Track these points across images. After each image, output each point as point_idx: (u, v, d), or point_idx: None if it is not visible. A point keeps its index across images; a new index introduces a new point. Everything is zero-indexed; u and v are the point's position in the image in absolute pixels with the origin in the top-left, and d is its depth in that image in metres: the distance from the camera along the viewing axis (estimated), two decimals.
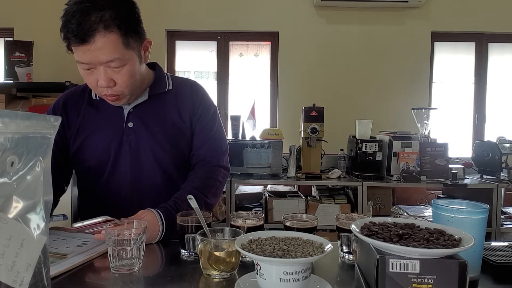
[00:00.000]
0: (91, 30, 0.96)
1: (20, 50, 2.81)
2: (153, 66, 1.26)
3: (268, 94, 3.25)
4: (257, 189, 2.82)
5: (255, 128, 2.67)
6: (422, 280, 0.56)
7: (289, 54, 3.15)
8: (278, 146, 2.54)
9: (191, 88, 1.26)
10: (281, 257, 0.66)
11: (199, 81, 1.32)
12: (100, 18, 0.96)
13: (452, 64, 3.24)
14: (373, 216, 2.06)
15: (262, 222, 0.97)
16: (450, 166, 2.53)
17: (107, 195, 1.19)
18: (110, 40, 0.98)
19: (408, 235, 0.62)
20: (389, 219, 0.70)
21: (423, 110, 2.68)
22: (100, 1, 0.98)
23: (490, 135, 3.15)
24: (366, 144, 2.55)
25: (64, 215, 1.13)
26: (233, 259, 0.80)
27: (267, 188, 2.83)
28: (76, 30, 0.96)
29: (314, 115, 2.51)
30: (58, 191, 1.20)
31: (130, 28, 1.03)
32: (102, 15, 0.97)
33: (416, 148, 2.48)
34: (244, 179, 2.53)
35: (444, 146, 2.52)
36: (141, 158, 1.17)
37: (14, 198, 0.50)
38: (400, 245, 0.58)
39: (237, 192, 2.66)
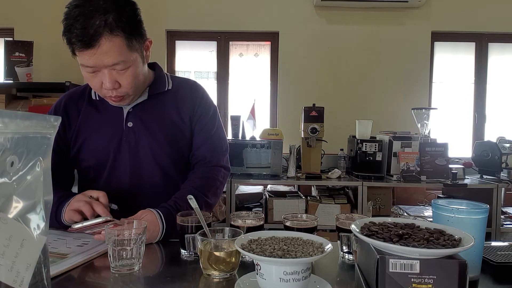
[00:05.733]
0: (96, 35, 0.95)
1: (20, 50, 2.81)
2: (153, 66, 1.26)
3: (268, 94, 3.25)
4: (257, 189, 2.82)
5: (255, 128, 2.67)
6: (422, 280, 0.56)
7: (289, 54, 3.15)
8: (278, 146, 2.54)
9: (191, 88, 1.26)
10: (281, 257, 0.66)
11: (199, 81, 1.32)
12: (104, 22, 0.95)
13: (452, 64, 3.24)
14: (373, 216, 2.06)
15: (262, 222, 0.97)
16: (450, 166, 2.53)
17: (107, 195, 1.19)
18: (115, 44, 0.98)
19: (408, 235, 0.62)
20: (389, 219, 0.70)
21: (423, 110, 2.68)
22: (102, 4, 0.96)
23: (490, 135, 3.15)
24: (366, 144, 2.55)
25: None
26: (233, 259, 0.80)
27: (267, 188, 2.83)
28: (81, 35, 0.95)
29: (314, 115, 2.51)
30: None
31: (134, 30, 1.02)
32: (106, 18, 0.96)
33: (416, 148, 2.48)
34: (244, 179, 2.53)
35: (444, 146, 2.52)
36: (141, 158, 1.17)
37: (14, 198, 0.50)
38: (400, 245, 0.58)
39: (237, 192, 2.66)
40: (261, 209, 2.63)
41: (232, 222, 0.97)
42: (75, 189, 1.27)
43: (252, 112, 2.67)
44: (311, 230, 0.92)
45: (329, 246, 0.70)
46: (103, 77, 1.03)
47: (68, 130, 1.20)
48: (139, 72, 1.09)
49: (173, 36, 3.23)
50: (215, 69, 3.25)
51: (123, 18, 0.99)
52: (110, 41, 0.97)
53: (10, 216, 0.49)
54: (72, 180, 1.27)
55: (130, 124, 1.17)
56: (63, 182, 1.22)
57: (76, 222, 0.99)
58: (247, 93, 3.24)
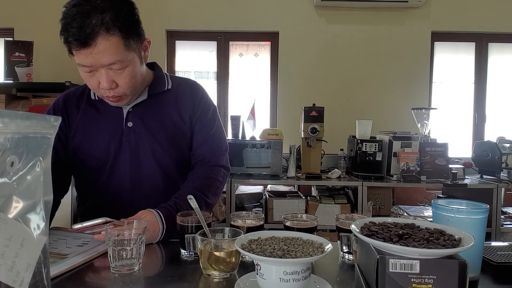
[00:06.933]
0: (92, 34, 0.95)
1: (20, 50, 2.81)
2: (152, 66, 1.26)
3: (268, 94, 3.25)
4: (257, 189, 2.82)
5: (255, 128, 2.67)
6: (422, 280, 0.56)
7: (289, 54, 3.15)
8: (278, 146, 2.54)
9: (190, 88, 1.26)
10: (281, 257, 0.66)
11: (199, 81, 1.33)
12: (101, 21, 0.96)
13: (452, 64, 3.24)
14: (373, 216, 2.05)
15: (262, 222, 0.97)
16: (450, 166, 2.53)
17: (106, 195, 1.19)
18: (112, 43, 0.98)
19: (408, 235, 0.61)
20: (389, 219, 0.70)
21: (423, 110, 2.68)
22: (100, 3, 0.97)
23: (490, 135, 3.15)
24: (366, 144, 2.55)
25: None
26: (233, 259, 0.80)
27: (267, 188, 2.83)
28: (77, 34, 0.95)
29: (314, 115, 2.51)
30: (60, 193, 1.20)
31: (131, 30, 1.02)
32: (103, 17, 0.96)
33: (416, 148, 2.48)
34: (244, 179, 2.53)
35: (444, 146, 2.52)
36: (141, 158, 1.17)
37: (14, 198, 0.50)
38: (400, 245, 0.58)
39: (237, 192, 2.66)
40: (261, 209, 2.63)
41: (232, 222, 0.97)
42: (75, 190, 1.27)
43: (252, 112, 2.67)
44: (311, 230, 0.92)
45: (329, 246, 0.70)
46: (100, 77, 1.03)
47: (68, 129, 1.20)
48: (137, 72, 1.08)
49: (173, 36, 3.23)
50: (215, 69, 3.25)
51: (120, 17, 0.99)
52: (107, 40, 0.97)
53: (10, 216, 0.49)
54: (68, 181, 1.25)
55: (130, 124, 1.17)
56: (57, 183, 1.20)
57: (76, 223, 0.99)
58: (247, 93, 3.24)
